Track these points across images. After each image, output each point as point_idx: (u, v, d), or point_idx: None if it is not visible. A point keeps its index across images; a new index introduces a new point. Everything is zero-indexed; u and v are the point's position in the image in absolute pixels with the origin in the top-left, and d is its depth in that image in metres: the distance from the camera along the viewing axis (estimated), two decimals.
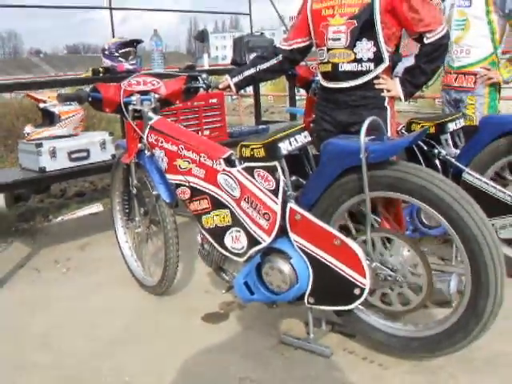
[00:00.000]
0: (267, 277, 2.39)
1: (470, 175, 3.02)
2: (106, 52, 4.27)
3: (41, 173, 3.58)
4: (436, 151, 3.16)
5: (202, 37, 9.47)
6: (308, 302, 2.36)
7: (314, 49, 2.85)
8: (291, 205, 2.29)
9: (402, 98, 2.73)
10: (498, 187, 2.96)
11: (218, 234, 2.58)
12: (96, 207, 4.87)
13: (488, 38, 3.63)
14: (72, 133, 3.75)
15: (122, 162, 3.02)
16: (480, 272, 2.03)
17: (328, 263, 2.23)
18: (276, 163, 2.31)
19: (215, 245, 2.61)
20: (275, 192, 2.32)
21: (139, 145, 2.88)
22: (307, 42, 2.84)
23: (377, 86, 2.68)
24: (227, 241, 2.55)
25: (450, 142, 3.17)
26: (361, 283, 2.17)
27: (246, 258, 2.49)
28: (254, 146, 2.37)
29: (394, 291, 2.21)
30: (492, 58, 3.65)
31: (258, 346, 2.57)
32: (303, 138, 2.40)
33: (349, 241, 2.18)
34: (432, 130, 3.15)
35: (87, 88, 2.93)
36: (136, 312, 3.00)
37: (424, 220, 3.13)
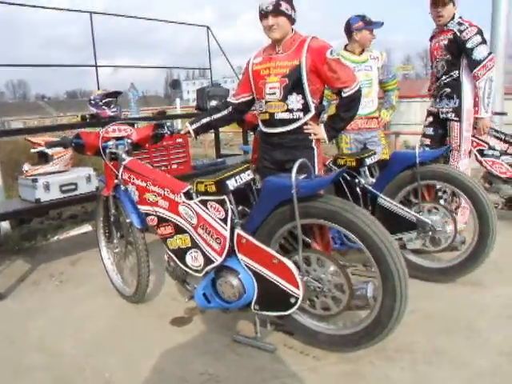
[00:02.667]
0: (220, 289, 2.35)
1: (383, 200, 3.03)
2: (92, 101, 4.17)
3: (37, 203, 3.46)
4: (357, 181, 3.16)
5: (174, 85, 9.53)
6: (254, 309, 2.31)
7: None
8: (238, 231, 2.25)
9: (327, 140, 2.73)
10: (405, 209, 2.97)
11: (181, 254, 2.52)
12: (86, 227, 4.72)
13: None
14: (63, 169, 3.64)
15: (102, 195, 2.93)
16: (387, 278, 2.03)
17: (269, 278, 2.19)
18: (225, 197, 2.27)
19: (178, 263, 2.55)
20: (225, 220, 2.27)
21: (115, 181, 2.80)
22: (251, 97, 2.82)
23: (305, 131, 2.68)
24: (188, 260, 2.49)
25: (368, 173, 3.18)
26: (295, 293, 2.14)
27: (203, 273, 2.43)
28: (207, 183, 2.33)
29: (323, 299, 2.17)
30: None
31: (215, 344, 2.51)
32: (247, 176, 2.37)
33: (284, 259, 2.14)
34: (353, 164, 3.16)
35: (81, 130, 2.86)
36: (116, 317, 2.89)
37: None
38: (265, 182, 2.22)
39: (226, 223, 2.26)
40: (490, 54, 3.56)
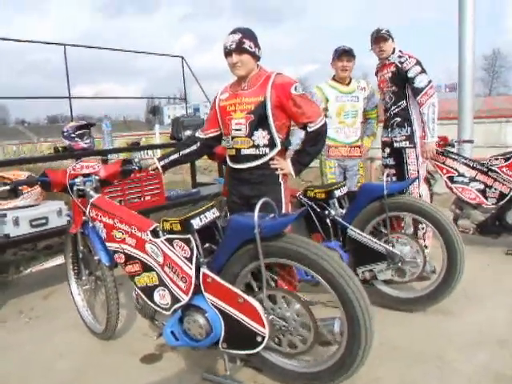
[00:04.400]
0: (188, 327, 2.32)
1: (353, 231, 3.05)
2: (65, 133, 4.15)
3: (5, 238, 3.40)
4: (326, 212, 3.18)
5: (154, 111, 9.56)
6: (222, 347, 2.29)
7: None
8: (203, 270, 2.24)
9: (293, 174, 2.74)
10: (374, 240, 2.99)
11: (148, 291, 2.49)
12: (60, 259, 4.59)
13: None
14: (33, 203, 3.60)
15: (69, 233, 2.89)
16: (352, 314, 2.02)
17: (235, 316, 2.17)
18: (190, 236, 2.26)
19: (146, 300, 2.52)
20: (190, 259, 2.25)
21: (84, 218, 2.77)
22: (219, 132, 2.83)
23: (272, 166, 2.68)
24: (156, 297, 2.46)
25: (337, 204, 3.20)
26: (261, 332, 2.12)
27: (171, 311, 2.40)
28: (172, 221, 2.32)
29: (289, 337, 2.16)
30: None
31: (185, 383, 2.46)
32: (212, 215, 2.37)
33: (249, 298, 2.13)
34: (323, 196, 3.19)
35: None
36: (85, 355, 2.83)
37: None
38: (229, 221, 2.22)
39: (191, 262, 2.24)
40: (430, 82, 3.73)
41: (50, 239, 5.19)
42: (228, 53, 2.58)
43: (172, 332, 2.40)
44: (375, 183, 3.32)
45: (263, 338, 2.12)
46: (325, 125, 2.68)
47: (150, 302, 2.50)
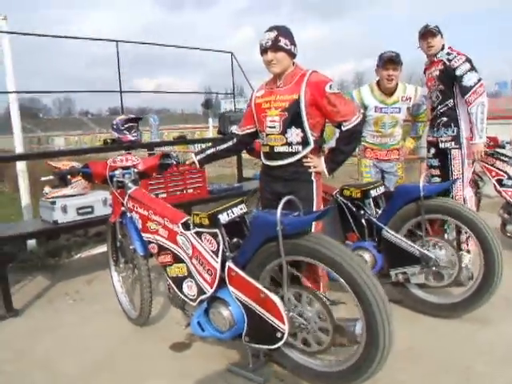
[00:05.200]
0: (213, 318, 2.38)
1: (387, 232, 3.00)
2: (114, 126, 4.32)
3: (54, 224, 3.61)
4: (362, 212, 3.15)
5: (207, 105, 9.70)
6: (244, 341, 2.34)
7: None
8: (229, 263, 2.28)
9: (326, 173, 2.73)
10: (409, 242, 2.93)
11: (178, 282, 2.59)
12: (106, 247, 4.85)
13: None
14: (81, 192, 3.79)
15: (109, 222, 3.04)
16: (370, 317, 2.00)
17: (257, 311, 2.21)
18: (217, 230, 2.31)
19: (176, 291, 2.61)
20: (216, 253, 2.31)
21: (122, 208, 2.89)
22: (255, 128, 2.86)
23: (305, 164, 2.69)
24: (184, 288, 2.55)
25: (372, 204, 3.16)
26: (281, 328, 2.15)
27: (197, 303, 2.48)
28: (201, 216, 2.38)
29: (309, 335, 2.17)
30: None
31: (209, 372, 2.53)
32: (239, 210, 2.40)
33: (271, 294, 2.15)
34: (358, 195, 3.16)
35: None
36: (119, 339, 2.98)
37: None
38: (253, 217, 2.26)
39: (217, 255, 2.31)
40: (479, 80, 3.54)
41: (98, 227, 5.46)
42: (264, 50, 2.60)
43: (198, 322, 2.47)
44: (412, 184, 3.23)
45: (283, 334, 2.15)
46: (360, 124, 2.66)
47: (179, 293, 2.60)
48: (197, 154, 3.00)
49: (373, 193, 3.14)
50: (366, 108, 3.79)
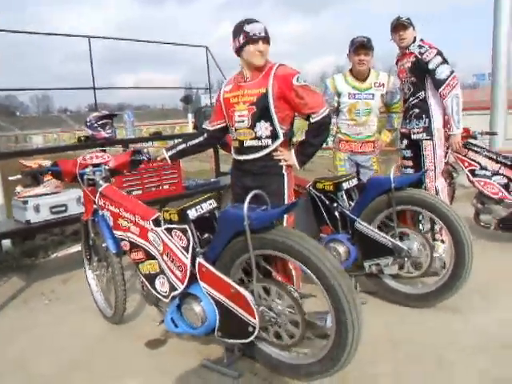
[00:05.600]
0: (185, 314, 2.38)
1: (360, 224, 3.03)
2: (88, 123, 4.29)
3: (27, 224, 3.57)
4: (335, 205, 3.17)
5: (186, 100, 9.68)
6: (217, 336, 2.33)
7: None
8: (199, 259, 2.28)
9: (297, 166, 2.73)
10: (381, 234, 2.96)
11: (151, 279, 2.58)
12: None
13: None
14: (54, 191, 3.74)
15: (82, 220, 3.01)
16: (339, 309, 2.01)
17: (228, 306, 2.21)
18: (186, 226, 2.31)
19: (149, 287, 2.60)
20: (187, 249, 2.31)
21: (94, 206, 2.87)
22: (225, 123, 2.85)
23: (275, 158, 2.69)
24: (157, 285, 2.55)
25: (345, 197, 3.18)
26: (252, 322, 2.15)
27: (169, 299, 2.47)
28: (171, 212, 2.37)
29: (280, 329, 2.18)
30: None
31: (183, 369, 2.53)
32: (208, 206, 2.40)
33: (241, 289, 2.15)
34: (331, 188, 3.17)
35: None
36: (94, 337, 2.96)
37: None
38: (221, 213, 2.26)
39: (187, 251, 2.30)
40: (451, 72, 3.59)
41: (75, 225, 5.41)
42: (255, 40, 2.54)
43: (172, 319, 2.46)
44: (383, 176, 3.26)
45: (254, 328, 2.15)
46: (328, 116, 2.66)
47: (152, 289, 2.59)
48: (168, 149, 2.98)
49: (345, 185, 3.16)
50: (339, 95, 3.79)
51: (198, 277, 2.29)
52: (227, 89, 2.75)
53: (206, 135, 2.93)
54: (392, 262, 2.95)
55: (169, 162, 3.00)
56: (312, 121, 2.63)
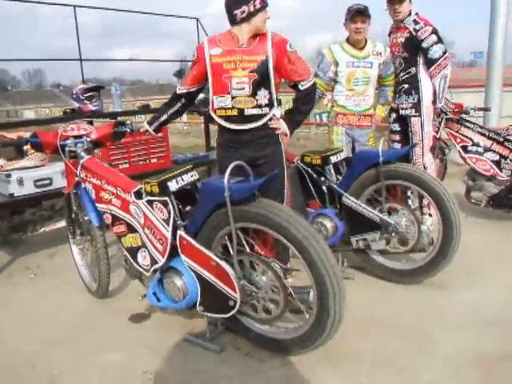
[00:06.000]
0: (167, 288, 2.35)
1: (348, 199, 2.98)
2: (74, 96, 4.20)
3: (10, 198, 3.50)
4: (322, 179, 3.11)
5: (179, 74, 9.52)
6: (199, 310, 2.31)
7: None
8: (180, 232, 2.24)
9: (288, 134, 2.72)
10: (368, 208, 2.92)
11: (133, 252, 2.54)
12: None
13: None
14: (38, 164, 3.66)
15: (64, 193, 2.95)
16: (320, 283, 1.98)
17: (210, 280, 2.18)
18: (167, 198, 2.25)
19: (131, 261, 2.56)
20: (167, 221, 2.26)
21: (76, 179, 2.80)
22: (201, 86, 2.77)
23: (271, 126, 2.67)
24: (139, 258, 2.51)
25: (333, 171, 3.12)
26: (233, 296, 2.12)
27: (150, 273, 2.44)
28: (152, 183, 2.32)
29: (260, 303, 2.15)
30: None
31: (166, 343, 2.50)
32: (189, 177, 2.34)
33: (222, 262, 2.12)
34: (319, 162, 3.11)
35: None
36: (79, 312, 2.92)
37: None
38: (202, 184, 2.20)
39: (168, 224, 2.25)
40: (444, 52, 3.52)
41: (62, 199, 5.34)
42: (262, 8, 2.51)
43: (154, 293, 2.44)
44: (371, 150, 3.20)
45: (235, 302, 2.12)
46: (315, 84, 2.70)
47: (134, 263, 2.55)
48: (150, 122, 2.90)
49: (333, 159, 3.10)
50: (337, 65, 3.63)
51: (180, 250, 2.26)
52: (215, 52, 2.61)
53: (183, 100, 2.82)
54: (379, 237, 2.91)
55: (153, 134, 2.93)
56: (301, 88, 2.63)
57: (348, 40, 3.66)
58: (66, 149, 2.76)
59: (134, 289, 3.14)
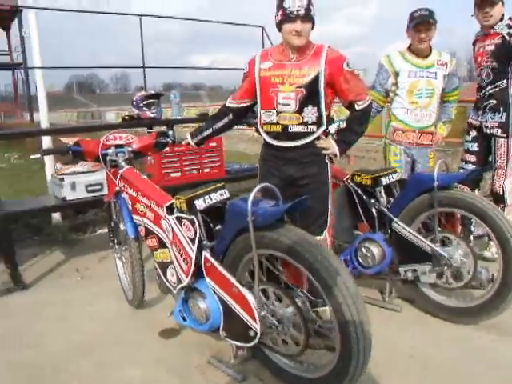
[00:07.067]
0: (192, 309, 2.25)
1: (398, 225, 2.73)
2: (134, 103, 4.25)
3: (62, 201, 3.59)
4: (372, 201, 2.88)
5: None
6: (222, 335, 2.18)
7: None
8: (205, 253, 2.13)
9: (338, 154, 2.56)
10: (420, 237, 2.65)
11: (163, 267, 2.47)
12: None
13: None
14: (91, 169, 3.73)
15: (104, 201, 2.95)
16: (343, 324, 1.78)
17: (232, 306, 2.05)
18: (193, 217, 2.15)
19: (162, 276, 2.50)
20: (193, 240, 2.15)
21: (116, 188, 2.79)
22: (252, 102, 2.65)
23: (318, 145, 2.52)
24: (168, 274, 2.43)
25: (383, 193, 2.87)
26: (254, 327, 1.97)
27: (177, 291, 2.35)
28: (181, 200, 2.23)
29: (280, 337, 1.98)
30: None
31: (189, 363, 2.41)
32: (219, 196, 2.21)
33: (243, 290, 1.98)
34: (369, 182, 2.89)
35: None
36: (112, 321, 2.92)
37: (360, 260, 2.86)
38: (229, 204, 2.08)
39: (193, 244, 2.15)
40: None
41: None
42: (292, 18, 2.32)
43: (180, 311, 2.35)
44: (425, 173, 2.91)
45: (255, 333, 1.97)
46: (371, 104, 2.56)
47: (164, 279, 2.48)
48: (193, 135, 2.83)
49: (384, 180, 2.85)
50: (397, 75, 3.36)
51: (204, 271, 2.14)
52: (265, 66, 2.51)
53: (231, 116, 2.73)
54: (430, 269, 2.64)
55: (194, 146, 2.86)
56: (357, 108, 2.49)
57: (410, 48, 3.38)
58: (107, 158, 2.75)
59: (169, 303, 3.10)
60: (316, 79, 2.40)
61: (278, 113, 2.50)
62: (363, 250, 2.82)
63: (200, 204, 2.16)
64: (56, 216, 4.79)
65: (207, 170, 4.23)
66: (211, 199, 2.19)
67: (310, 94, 2.42)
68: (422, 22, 3.19)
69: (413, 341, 2.52)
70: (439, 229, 2.64)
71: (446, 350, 2.44)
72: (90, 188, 3.65)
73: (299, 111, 2.45)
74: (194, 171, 4.18)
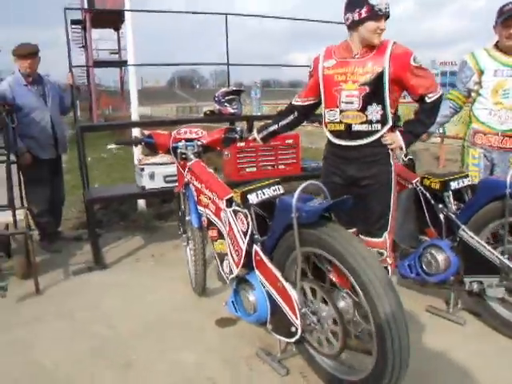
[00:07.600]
0: (241, 300, 2.32)
1: (465, 233, 2.59)
2: (216, 99, 4.41)
3: (142, 190, 3.84)
4: (440, 206, 2.76)
5: None
6: (269, 328, 2.23)
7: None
8: (256, 247, 2.19)
9: (404, 147, 2.50)
10: (488, 247, 2.49)
11: (221, 258, 2.58)
12: None
13: None
14: (170, 161, 3.92)
15: (174, 192, 3.12)
16: (380, 330, 1.74)
17: (277, 300, 2.09)
18: (246, 210, 2.21)
19: (219, 266, 2.60)
20: (245, 234, 2.22)
21: (185, 179, 2.94)
22: (317, 100, 2.65)
23: (383, 142, 2.47)
24: (224, 265, 2.53)
25: (452, 199, 2.73)
26: (295, 323, 2.00)
27: (229, 281, 2.44)
28: (237, 193, 2.30)
29: (319, 336, 1.99)
30: None
31: (239, 354, 2.49)
32: (272, 192, 2.24)
33: (287, 285, 2.02)
34: (437, 186, 2.77)
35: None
36: (177, 305, 3.06)
37: (424, 267, 2.75)
38: (278, 200, 2.11)
39: (245, 236, 2.22)
40: None
41: None
42: (379, 16, 2.30)
43: (232, 302, 2.43)
44: (497, 179, 2.71)
45: (296, 329, 2.00)
46: (442, 96, 2.46)
47: (220, 268, 2.58)
48: (259, 131, 2.90)
49: (453, 185, 2.71)
50: (482, 73, 3.16)
51: (254, 264, 2.21)
52: (328, 64, 2.50)
53: (296, 114, 2.76)
54: (497, 283, 2.47)
55: (260, 142, 2.92)
56: (428, 100, 2.41)
57: (497, 45, 3.15)
58: (178, 151, 2.90)
59: (229, 293, 3.19)
60: (380, 76, 2.34)
61: (341, 111, 2.48)
62: (428, 256, 2.71)
63: (253, 198, 2.21)
64: (141, 204, 5.12)
65: (282, 167, 4.28)
66: (264, 194, 2.23)
67: (374, 92, 2.37)
68: (511, 17, 2.98)
69: (472, 359, 2.37)
70: (510, 239, 2.47)
71: (502, 372, 2.27)
72: (167, 179, 3.86)
73: (363, 109, 2.41)
74: (269, 167, 4.25)
